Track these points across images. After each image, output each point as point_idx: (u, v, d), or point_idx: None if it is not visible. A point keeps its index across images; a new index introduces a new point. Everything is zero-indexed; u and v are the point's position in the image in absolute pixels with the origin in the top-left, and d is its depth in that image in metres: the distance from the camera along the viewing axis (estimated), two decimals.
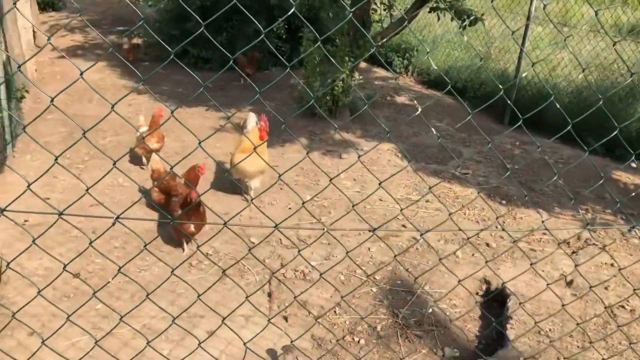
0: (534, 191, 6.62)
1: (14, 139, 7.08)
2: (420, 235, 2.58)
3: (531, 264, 3.07)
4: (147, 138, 6.35)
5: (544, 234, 5.51)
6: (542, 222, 2.54)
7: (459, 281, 3.21)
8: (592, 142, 7.90)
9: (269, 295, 4.37)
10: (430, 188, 2.90)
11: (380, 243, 5.11)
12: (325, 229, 2.86)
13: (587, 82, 9.19)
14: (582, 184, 6.79)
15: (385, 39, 8.62)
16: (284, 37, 11.21)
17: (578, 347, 3.82)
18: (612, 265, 4.89)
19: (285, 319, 4.10)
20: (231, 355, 3.62)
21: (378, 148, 7.79)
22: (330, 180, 2.55)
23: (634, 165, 7.60)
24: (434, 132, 8.62)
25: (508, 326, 4.00)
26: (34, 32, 11.29)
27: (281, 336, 3.87)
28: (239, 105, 9.34)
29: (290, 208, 5.87)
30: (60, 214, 2.00)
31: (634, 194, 6.48)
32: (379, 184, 2.79)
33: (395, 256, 3.01)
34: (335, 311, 4.23)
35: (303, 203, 2.61)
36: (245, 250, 4.95)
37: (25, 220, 5.22)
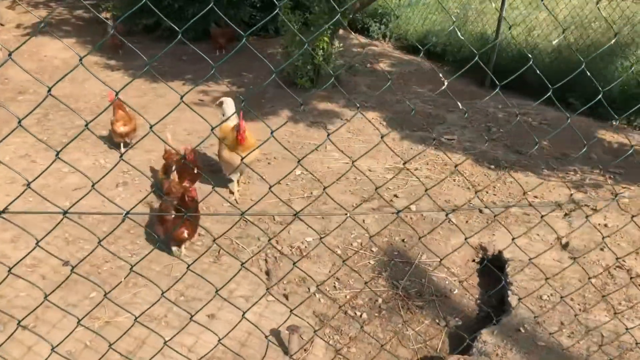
0: (521, 154, 6.62)
1: None
2: (446, 215, 2.49)
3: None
4: (111, 121, 6.15)
5: (535, 197, 5.52)
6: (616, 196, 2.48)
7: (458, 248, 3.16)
8: (574, 103, 7.92)
9: (267, 273, 4.30)
10: (404, 163, 2.84)
11: (374, 215, 5.06)
12: (348, 214, 2.76)
13: (567, 42, 9.16)
14: (568, 145, 6.80)
15: (363, 5, 8.44)
16: (258, 5, 10.92)
17: (579, 309, 3.85)
18: (605, 225, 4.92)
19: (286, 297, 4.04)
20: (234, 338, 3.55)
21: (362, 117, 7.69)
22: (353, 162, 2.44)
23: (614, 123, 7.66)
24: (409, 105, 8.55)
25: (509, 292, 4.00)
26: None
27: (283, 314, 3.81)
28: (216, 78, 9.12)
29: (279, 183, 5.77)
30: (65, 213, 1.87)
31: (623, 156, 6.53)
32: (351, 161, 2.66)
33: (420, 238, 2.96)
34: (334, 285, 4.19)
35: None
36: (237, 229, 4.86)
37: (5, 209, 5.02)
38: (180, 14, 10.25)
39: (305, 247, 4.60)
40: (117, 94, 1.87)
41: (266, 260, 4.45)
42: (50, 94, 1.75)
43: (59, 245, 4.55)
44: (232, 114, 5.60)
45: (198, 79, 9.11)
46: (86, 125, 1.82)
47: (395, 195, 5.47)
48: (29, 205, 5.10)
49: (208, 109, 7.80)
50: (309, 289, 4.14)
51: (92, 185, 1.91)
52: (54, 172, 5.79)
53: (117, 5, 11.11)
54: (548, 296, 3.98)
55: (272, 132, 2.11)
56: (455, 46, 10.34)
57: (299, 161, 2.39)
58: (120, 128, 6.04)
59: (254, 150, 4.46)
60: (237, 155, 5.01)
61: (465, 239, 3.12)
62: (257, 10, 10.86)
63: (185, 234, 4.35)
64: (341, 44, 9.09)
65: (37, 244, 1.99)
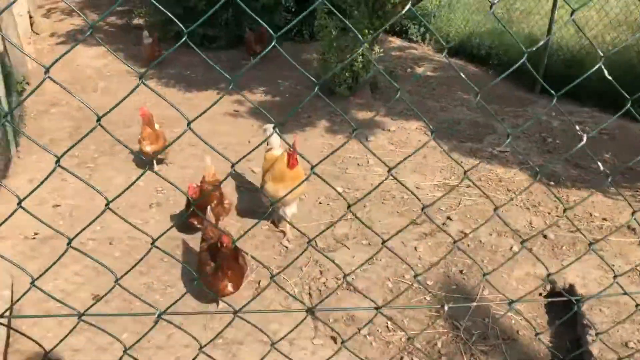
0: (581, 168, 6.08)
1: (17, 138, 6.59)
2: (522, 243, 1.98)
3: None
4: (139, 139, 5.83)
5: (604, 219, 5.00)
6: (633, 213, 2.02)
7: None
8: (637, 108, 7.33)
9: (309, 311, 3.89)
10: (465, 172, 2.41)
11: (427, 241, 4.63)
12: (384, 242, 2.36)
13: (622, 43, 8.53)
14: (634, 157, 6.23)
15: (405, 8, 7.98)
16: (292, 9, 10.56)
17: None
18: None
19: (334, 339, 3.64)
20: None
21: (405, 127, 7.25)
22: (389, 170, 2.03)
23: None
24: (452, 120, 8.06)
25: (587, 338, 3.52)
26: (30, 17, 10.71)
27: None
28: (251, 86, 8.78)
29: (320, 202, 5.37)
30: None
31: None
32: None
33: (485, 275, 2.53)
34: (387, 326, 3.77)
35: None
36: (278, 257, 4.49)
37: (36, 233, 4.77)
38: (214, 20, 9.95)
39: (353, 279, 4.20)
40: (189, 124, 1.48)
41: (310, 295, 4.06)
42: (99, 124, 1.43)
43: (89, 277, 4.24)
44: (276, 142, 5.11)
45: (232, 89, 8.78)
46: (98, 120, 1.44)
47: (449, 218, 5.01)
48: (59, 229, 4.81)
49: (243, 120, 7.47)
50: (358, 329, 3.74)
51: (107, 204, 1.52)
52: (85, 192, 5.51)
53: (149, 12, 10.89)
54: (635, 343, 3.49)
55: (312, 168, 1.70)
56: (500, 48, 9.78)
57: (348, 207, 1.98)
58: (147, 147, 5.72)
59: (301, 182, 4.05)
60: (280, 186, 4.49)
61: (548, 275, 2.68)
62: (292, 14, 10.50)
63: (230, 288, 3.76)
64: (381, 49, 8.65)
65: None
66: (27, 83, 8.39)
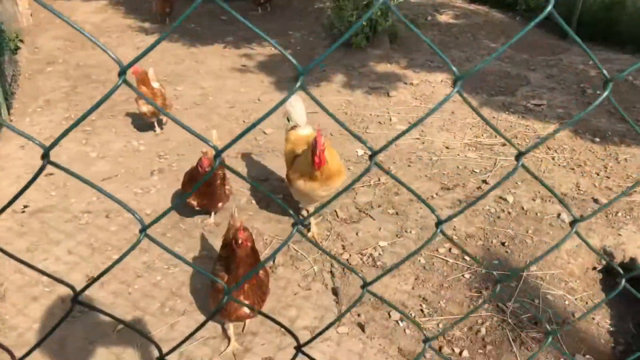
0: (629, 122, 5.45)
1: (9, 99, 6.08)
2: (572, 224, 1.42)
3: None
4: (135, 99, 5.26)
5: None
6: None
7: None
8: None
9: (335, 292, 3.41)
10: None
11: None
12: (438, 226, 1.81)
13: None
14: None
15: None
16: None
17: None
18: None
19: (362, 327, 3.15)
20: None
21: (429, 80, 6.63)
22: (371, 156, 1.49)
23: None
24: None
25: None
26: None
27: (360, 355, 2.94)
28: (260, 40, 8.14)
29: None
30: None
31: None
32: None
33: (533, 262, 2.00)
34: (422, 310, 3.28)
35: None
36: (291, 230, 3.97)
37: (25, 206, 4.29)
38: None
39: (379, 254, 3.69)
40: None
41: (332, 273, 3.57)
42: (124, 80, 0.89)
43: (84, 254, 3.77)
44: (302, 117, 4.00)
45: (240, 41, 8.16)
46: (121, 74, 0.91)
47: (485, 182, 4.46)
48: (51, 201, 4.35)
49: (252, 76, 6.88)
50: (389, 314, 3.25)
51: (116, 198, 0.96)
52: (81, 157, 5.02)
53: None
54: None
55: (372, 157, 1.17)
56: None
57: (372, 155, 1.45)
58: (143, 107, 5.16)
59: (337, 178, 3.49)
60: (315, 184, 3.55)
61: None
62: None
63: (245, 310, 2.75)
64: None
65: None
66: (21, 40, 7.82)
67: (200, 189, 3.76)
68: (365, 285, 0.98)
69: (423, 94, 6.26)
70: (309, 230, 3.91)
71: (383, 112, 5.81)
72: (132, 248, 0.92)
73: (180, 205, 4.14)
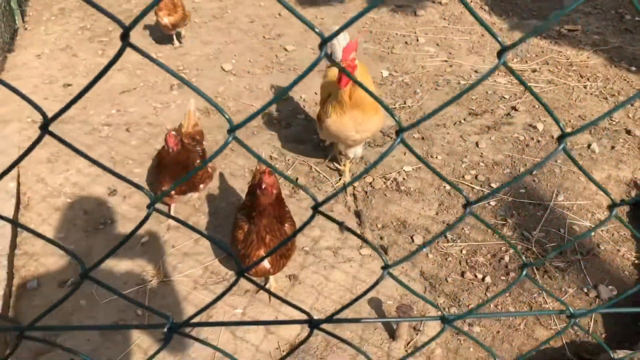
0: None
1: (23, 6, 5.89)
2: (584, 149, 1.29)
3: None
4: (155, 11, 4.99)
5: None
6: None
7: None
8: None
9: (357, 215, 3.39)
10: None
11: (490, 135, 3.98)
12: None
13: None
14: None
15: None
16: None
17: None
18: None
19: (384, 249, 3.15)
20: (322, 310, 2.73)
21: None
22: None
23: None
24: None
25: None
26: None
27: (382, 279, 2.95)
28: None
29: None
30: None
31: None
32: None
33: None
34: (445, 236, 3.26)
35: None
36: (314, 152, 3.90)
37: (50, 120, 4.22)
38: None
39: (404, 179, 3.63)
40: None
41: (354, 196, 3.53)
42: None
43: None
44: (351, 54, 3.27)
45: None
46: None
47: (514, 108, 4.32)
48: (70, 112, 4.27)
49: None
50: (411, 238, 3.23)
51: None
52: (98, 69, 4.88)
53: None
54: None
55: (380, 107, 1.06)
56: None
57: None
58: (164, 19, 4.94)
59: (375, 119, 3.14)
60: (345, 118, 3.15)
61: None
62: None
63: (267, 264, 2.57)
64: None
65: None
66: None
67: (176, 173, 3.11)
68: (386, 267, 0.89)
69: (452, 14, 5.98)
70: (342, 176, 3.67)
71: (410, 31, 5.58)
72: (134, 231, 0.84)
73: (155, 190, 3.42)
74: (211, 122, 4.19)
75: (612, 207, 1.00)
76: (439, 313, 1.23)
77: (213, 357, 2.50)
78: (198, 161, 3.20)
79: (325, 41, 0.66)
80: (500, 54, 0.73)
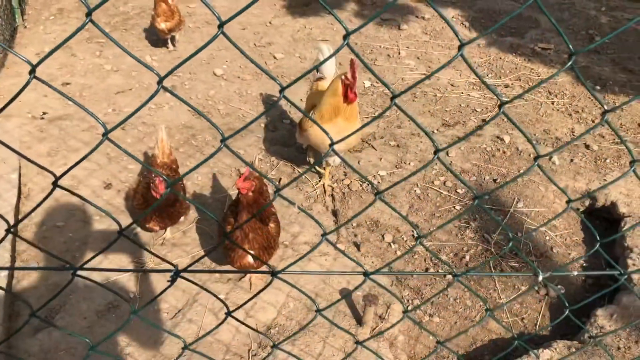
0: (631, 73, 5.58)
1: (23, 5, 6.12)
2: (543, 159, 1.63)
3: None
4: (152, 16, 5.31)
5: None
6: None
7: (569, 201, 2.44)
8: None
9: (334, 214, 3.69)
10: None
11: (460, 146, 4.30)
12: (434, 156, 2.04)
13: None
14: None
15: None
16: None
17: None
18: None
19: (357, 246, 3.45)
20: (299, 299, 3.03)
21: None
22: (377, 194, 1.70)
23: None
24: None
25: (628, 261, 3.30)
26: None
27: (353, 268, 3.25)
28: None
29: None
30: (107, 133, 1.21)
31: None
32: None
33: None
34: (413, 235, 3.57)
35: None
36: (297, 155, 4.20)
37: (44, 113, 4.49)
38: None
39: (378, 182, 3.94)
40: None
41: (333, 197, 3.83)
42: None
43: (101, 163, 4.01)
44: (330, 68, 3.93)
45: None
46: None
47: (484, 120, 4.65)
48: (69, 110, 4.54)
49: None
50: (382, 236, 3.54)
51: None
52: (95, 69, 5.17)
53: None
54: None
55: (393, 99, 1.36)
56: None
57: (393, 98, 1.66)
58: (162, 24, 5.23)
59: (358, 130, 3.39)
60: (332, 132, 3.29)
61: (590, 192, 2.39)
62: None
63: (249, 259, 2.79)
64: None
65: None
66: None
67: (159, 210, 3.09)
68: (366, 274, 1.18)
69: (434, 29, 6.32)
70: (321, 178, 3.95)
71: (392, 44, 5.90)
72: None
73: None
74: (202, 124, 4.47)
75: (569, 202, 1.29)
76: (402, 308, 1.52)
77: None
78: (181, 193, 3.13)
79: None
80: (459, 48, 1.02)
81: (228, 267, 2.96)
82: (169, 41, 5.54)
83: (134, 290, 3.03)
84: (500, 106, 1.09)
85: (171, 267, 1.16)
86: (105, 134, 0.93)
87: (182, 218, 3.32)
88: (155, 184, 2.89)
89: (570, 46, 1.08)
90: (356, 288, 1.45)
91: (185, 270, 1.17)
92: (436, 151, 1.13)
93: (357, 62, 3.22)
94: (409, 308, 3.12)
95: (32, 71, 0.89)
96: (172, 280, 1.15)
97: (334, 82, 3.38)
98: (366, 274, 1.24)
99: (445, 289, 1.72)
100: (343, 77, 3.27)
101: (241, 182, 2.67)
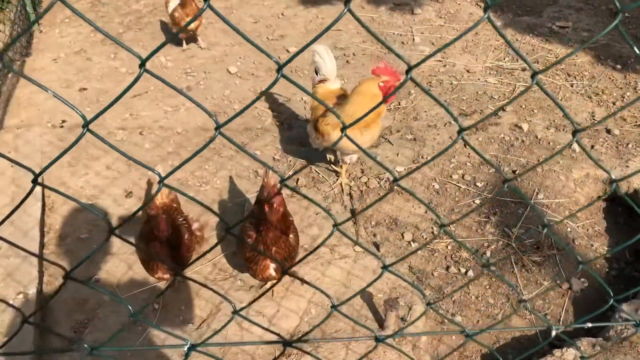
0: None
1: (37, 9, 6.17)
2: (573, 134, 1.59)
3: None
4: (179, 15, 5.28)
5: None
6: None
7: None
8: None
9: (352, 213, 3.70)
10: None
11: (477, 136, 4.26)
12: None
13: None
14: None
15: None
16: None
17: None
18: None
19: (377, 246, 3.47)
20: (319, 303, 3.06)
21: None
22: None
23: None
24: None
25: None
26: None
27: (375, 270, 3.26)
28: None
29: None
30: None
31: None
32: None
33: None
34: (432, 232, 3.56)
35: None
36: (314, 154, 4.20)
37: (63, 121, 4.55)
38: None
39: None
40: None
41: (351, 195, 3.84)
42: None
43: (121, 170, 4.07)
44: (331, 69, 3.79)
45: None
46: None
47: (502, 109, 4.58)
48: (87, 116, 4.57)
49: None
50: (402, 235, 3.54)
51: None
52: (111, 73, 5.21)
53: None
54: None
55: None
56: None
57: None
58: (191, 24, 5.25)
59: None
60: (356, 135, 3.37)
61: (612, 181, 2.36)
62: None
63: (272, 271, 2.82)
64: None
65: None
66: None
67: (165, 252, 2.86)
68: (384, 267, 1.18)
69: (448, 12, 6.21)
70: (338, 176, 3.95)
71: (406, 30, 5.82)
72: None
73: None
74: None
75: (575, 132, 1.18)
76: (424, 301, 1.53)
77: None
78: (187, 235, 2.99)
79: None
80: (485, 9, 0.96)
81: (248, 276, 3.00)
82: (184, 42, 5.54)
83: (158, 301, 3.09)
84: (533, 76, 1.03)
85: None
86: (85, 125, 0.93)
87: (193, 256, 3.08)
88: (158, 222, 2.78)
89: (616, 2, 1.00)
90: (374, 281, 1.45)
91: (200, 344, 1.18)
92: (460, 131, 1.07)
93: (385, 62, 3.37)
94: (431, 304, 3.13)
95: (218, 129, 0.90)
96: (186, 356, 1.16)
97: (366, 85, 3.40)
98: (384, 267, 1.19)
99: (467, 284, 1.72)
100: (382, 83, 3.32)
101: (276, 197, 2.67)
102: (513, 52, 5.28)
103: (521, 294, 3.19)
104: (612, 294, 1.41)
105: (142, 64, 0.89)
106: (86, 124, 0.96)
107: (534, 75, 1.03)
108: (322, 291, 1.22)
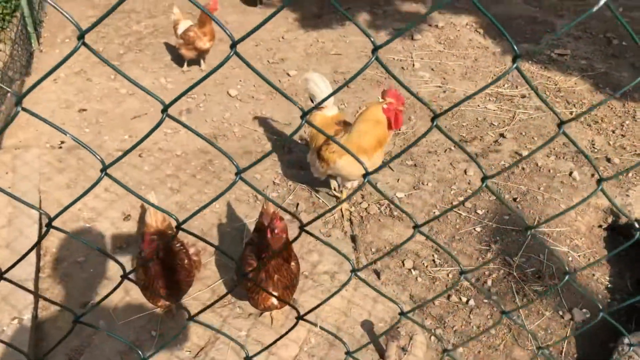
0: None
1: (38, 28, 6.19)
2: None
3: None
4: (194, 35, 5.29)
5: None
6: None
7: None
8: None
9: (353, 239, 3.67)
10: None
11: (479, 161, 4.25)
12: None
13: None
14: None
15: None
16: None
17: None
18: None
19: (377, 274, 3.43)
20: (319, 333, 3.02)
21: (455, 23, 6.59)
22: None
23: None
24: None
25: None
26: None
27: (375, 300, 3.23)
28: None
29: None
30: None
31: None
32: None
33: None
34: (433, 260, 3.53)
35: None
36: (314, 178, 4.18)
37: (62, 142, 4.53)
38: None
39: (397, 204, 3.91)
40: None
41: (351, 221, 3.81)
42: None
43: (119, 192, 4.03)
44: (328, 97, 3.95)
45: None
46: None
47: (502, 135, 4.59)
48: (86, 138, 4.57)
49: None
50: (402, 262, 3.51)
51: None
52: (111, 94, 5.20)
53: None
54: None
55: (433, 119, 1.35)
56: None
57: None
58: (207, 44, 5.34)
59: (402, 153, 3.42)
60: (371, 161, 3.41)
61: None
62: None
63: (274, 301, 2.75)
64: None
65: None
66: None
67: (166, 280, 2.81)
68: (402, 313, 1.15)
69: (448, 37, 6.26)
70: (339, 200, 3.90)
71: (406, 56, 5.86)
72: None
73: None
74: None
75: (599, 181, 1.19)
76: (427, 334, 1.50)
77: None
78: (186, 260, 2.92)
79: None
80: (514, 60, 0.97)
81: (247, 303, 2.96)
82: (185, 63, 5.56)
83: (156, 328, 3.04)
84: (560, 125, 1.05)
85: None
86: (104, 170, 0.92)
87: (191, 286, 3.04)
88: (142, 247, 2.82)
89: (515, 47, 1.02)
90: (392, 327, 1.42)
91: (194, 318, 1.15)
92: (484, 179, 1.08)
93: (392, 86, 3.42)
94: (432, 338, 3.08)
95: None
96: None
97: (371, 111, 3.45)
98: (402, 313, 1.16)
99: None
100: (386, 105, 3.40)
101: (279, 224, 2.57)
102: (512, 78, 5.30)
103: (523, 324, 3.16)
104: (626, 334, 1.39)
105: (165, 109, 0.87)
106: (104, 168, 0.95)
107: (560, 124, 1.05)
108: (336, 337, 1.19)
